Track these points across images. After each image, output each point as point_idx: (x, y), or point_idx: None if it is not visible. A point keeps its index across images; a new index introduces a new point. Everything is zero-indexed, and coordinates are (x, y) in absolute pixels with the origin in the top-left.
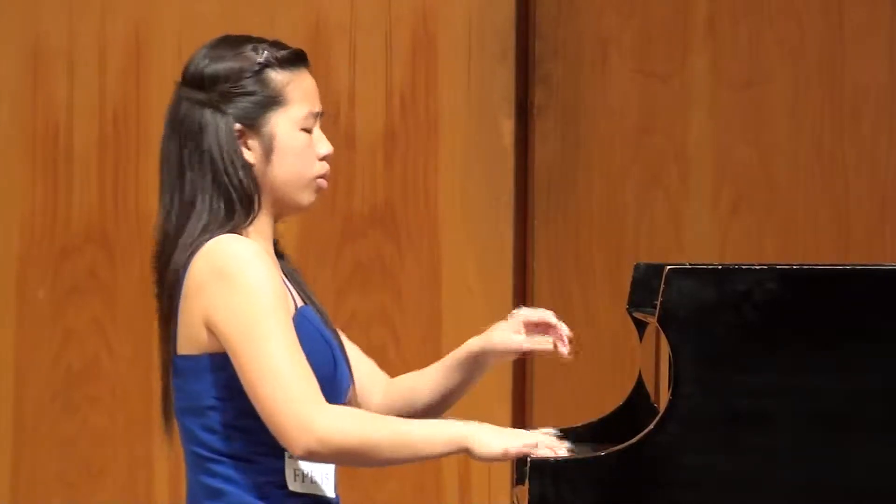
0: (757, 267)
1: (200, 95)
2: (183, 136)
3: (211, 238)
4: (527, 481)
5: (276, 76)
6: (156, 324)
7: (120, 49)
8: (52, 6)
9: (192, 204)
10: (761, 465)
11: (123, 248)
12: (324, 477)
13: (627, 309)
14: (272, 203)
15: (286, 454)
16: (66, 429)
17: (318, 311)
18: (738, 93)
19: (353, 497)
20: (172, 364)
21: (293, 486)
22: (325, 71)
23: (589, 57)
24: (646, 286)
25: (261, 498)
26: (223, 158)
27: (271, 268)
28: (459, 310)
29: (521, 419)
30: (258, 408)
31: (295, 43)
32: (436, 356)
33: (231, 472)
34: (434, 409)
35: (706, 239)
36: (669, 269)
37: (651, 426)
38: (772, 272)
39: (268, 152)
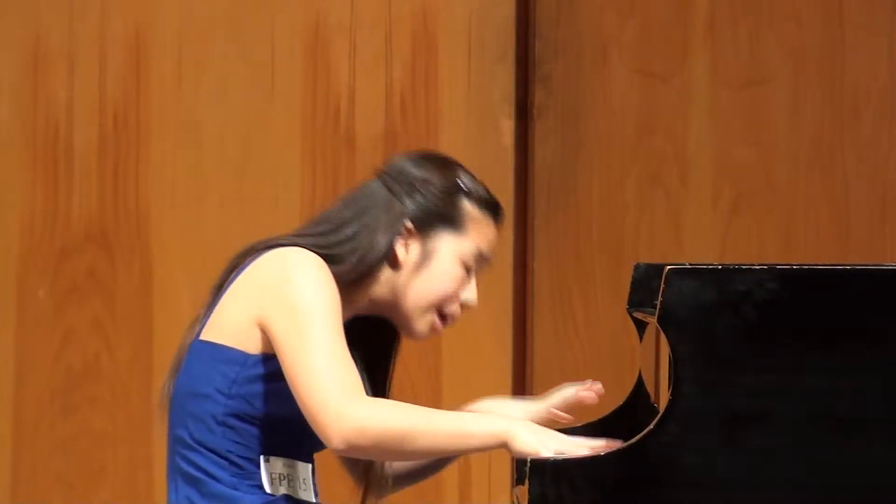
0: (757, 267)
1: (395, 185)
2: (358, 198)
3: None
4: (527, 481)
5: (468, 205)
6: (155, 324)
7: (120, 49)
8: (52, 6)
9: (316, 233)
10: (761, 464)
11: (123, 248)
12: (301, 482)
13: (627, 309)
14: (388, 303)
15: (262, 458)
16: (66, 429)
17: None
18: (738, 93)
19: (352, 496)
20: (191, 346)
21: (270, 489)
22: (325, 71)
23: (589, 57)
24: (646, 286)
25: (237, 490)
26: (375, 235)
27: (331, 280)
28: None
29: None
30: (299, 401)
31: (295, 43)
32: (435, 356)
33: (207, 465)
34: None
35: (706, 239)
36: (669, 269)
37: (651, 426)
38: (772, 272)
39: (420, 263)
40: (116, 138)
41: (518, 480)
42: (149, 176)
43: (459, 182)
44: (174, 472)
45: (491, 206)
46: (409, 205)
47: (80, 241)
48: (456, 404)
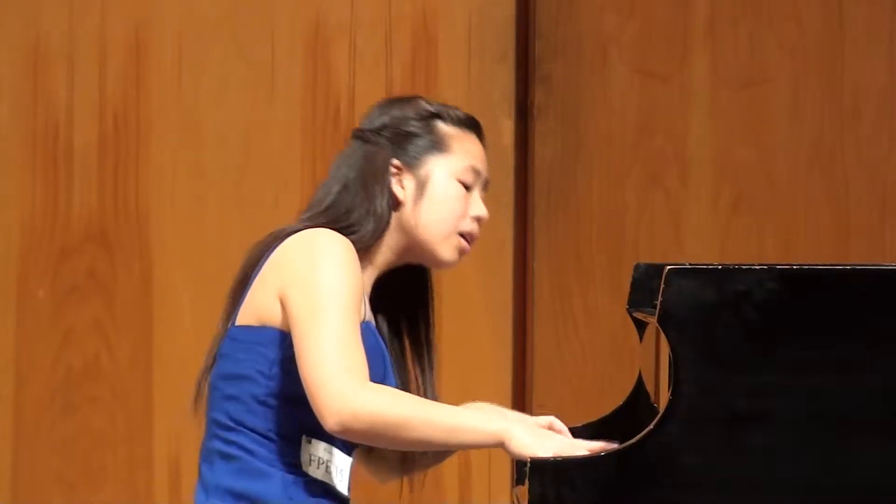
0: (757, 267)
1: (369, 134)
2: (341, 163)
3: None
4: (527, 481)
5: (444, 126)
6: (155, 323)
7: (120, 49)
8: (52, 6)
9: (322, 211)
10: (761, 465)
11: (123, 248)
12: (338, 472)
13: (627, 309)
14: (406, 246)
15: (303, 438)
16: (66, 429)
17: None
18: (738, 93)
19: (351, 495)
20: (227, 333)
21: (307, 469)
22: (325, 71)
23: (589, 57)
24: (646, 286)
25: (273, 466)
26: (373, 184)
27: (355, 264)
28: (459, 310)
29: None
30: (302, 377)
31: (295, 43)
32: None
33: (247, 442)
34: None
35: (706, 239)
36: (669, 269)
37: (651, 426)
38: (772, 272)
39: (419, 194)
40: (116, 138)
41: (518, 480)
42: (149, 176)
43: (428, 108)
44: (210, 453)
45: (467, 123)
46: (389, 145)
47: (80, 241)
48: (456, 404)
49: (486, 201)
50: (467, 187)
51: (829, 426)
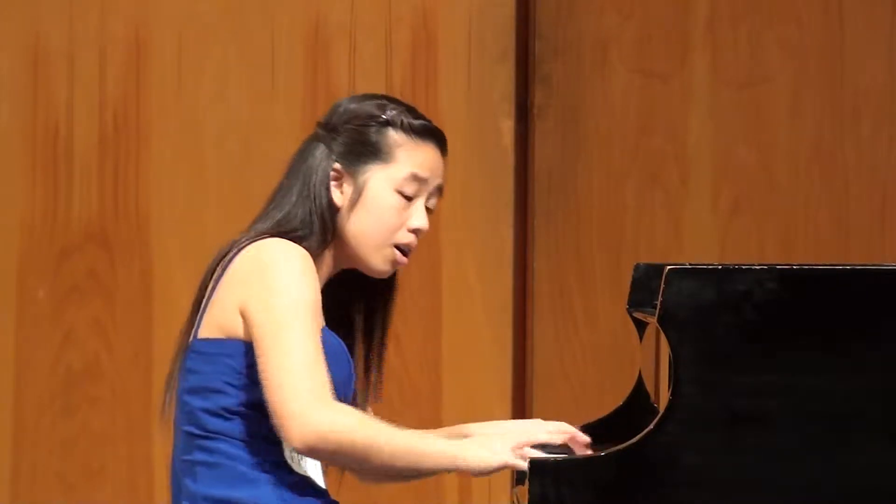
0: (757, 267)
1: (321, 131)
2: (294, 159)
3: (264, 239)
4: (527, 481)
5: (394, 135)
6: (155, 323)
7: (120, 49)
8: (52, 6)
9: (271, 215)
10: (761, 465)
11: (123, 248)
12: (314, 466)
13: (627, 309)
14: (342, 253)
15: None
16: (66, 429)
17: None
18: (738, 93)
19: (352, 497)
20: (191, 347)
21: (291, 464)
22: (325, 71)
23: (589, 57)
24: (646, 286)
25: (255, 469)
26: (311, 187)
27: (312, 274)
28: (459, 310)
29: (521, 419)
30: (266, 396)
31: (295, 43)
32: (436, 356)
33: (229, 449)
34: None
35: (706, 239)
36: (669, 269)
37: (651, 426)
38: (772, 272)
39: (355, 201)
40: (116, 138)
41: (518, 480)
42: (149, 176)
43: (381, 113)
44: (192, 465)
45: (422, 132)
46: (335, 147)
47: (80, 241)
48: (456, 404)
49: (487, 199)
50: (409, 198)
51: (829, 426)
